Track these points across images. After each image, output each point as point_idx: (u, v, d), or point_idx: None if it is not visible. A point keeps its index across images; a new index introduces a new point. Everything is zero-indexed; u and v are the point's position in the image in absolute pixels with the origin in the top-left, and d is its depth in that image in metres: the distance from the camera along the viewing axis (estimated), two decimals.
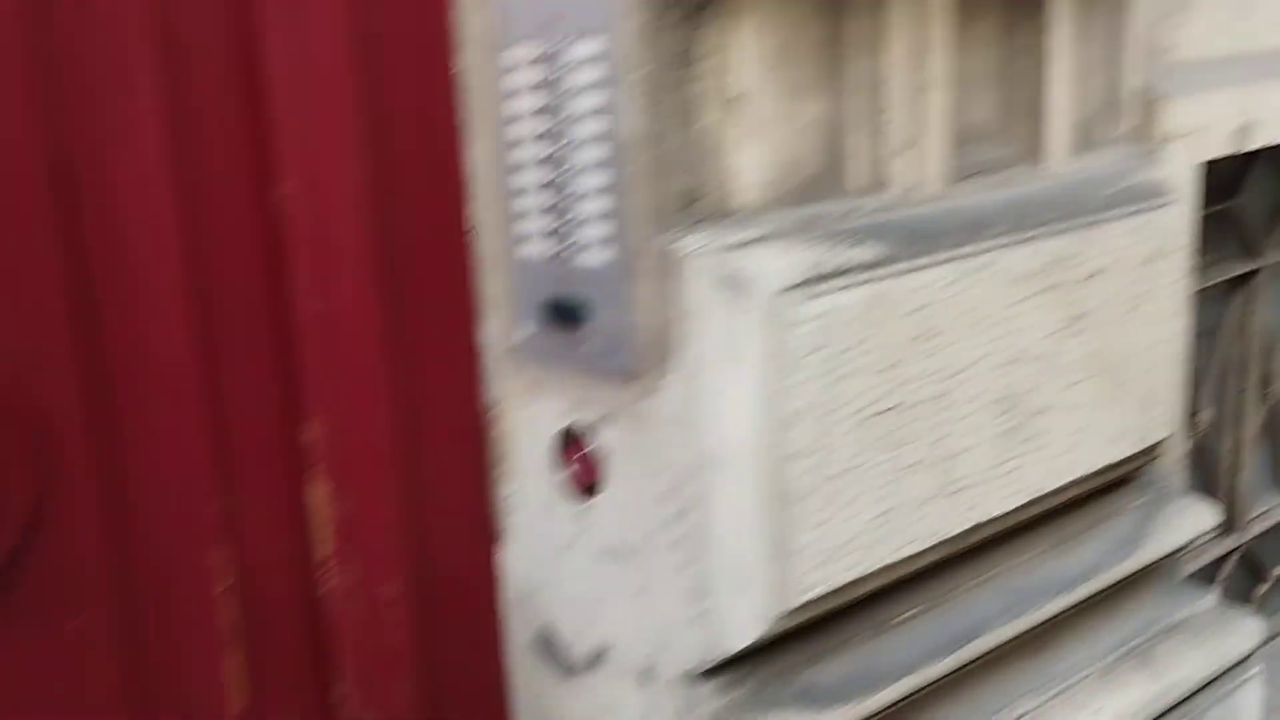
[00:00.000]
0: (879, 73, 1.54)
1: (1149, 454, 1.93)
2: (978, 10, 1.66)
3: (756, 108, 1.46)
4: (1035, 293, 1.65)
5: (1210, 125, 2.13)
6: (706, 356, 1.39)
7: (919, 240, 1.53)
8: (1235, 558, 2.83)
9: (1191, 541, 2.03)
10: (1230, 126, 2.16)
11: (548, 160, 1.49)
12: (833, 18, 1.50)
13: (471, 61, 1.58)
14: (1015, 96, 1.73)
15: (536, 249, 1.55)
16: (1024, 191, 1.68)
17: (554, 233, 1.51)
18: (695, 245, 1.38)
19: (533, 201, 1.53)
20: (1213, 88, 2.14)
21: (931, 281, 1.52)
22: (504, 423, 1.70)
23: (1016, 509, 1.70)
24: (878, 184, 1.58)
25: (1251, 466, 2.84)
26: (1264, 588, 2.96)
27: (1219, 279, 2.62)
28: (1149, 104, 2.02)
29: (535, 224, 1.54)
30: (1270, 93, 2.23)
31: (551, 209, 1.51)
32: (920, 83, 1.56)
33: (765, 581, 1.44)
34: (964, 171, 1.67)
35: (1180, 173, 2.05)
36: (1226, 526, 2.83)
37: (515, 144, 1.53)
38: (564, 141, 1.46)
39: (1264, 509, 2.95)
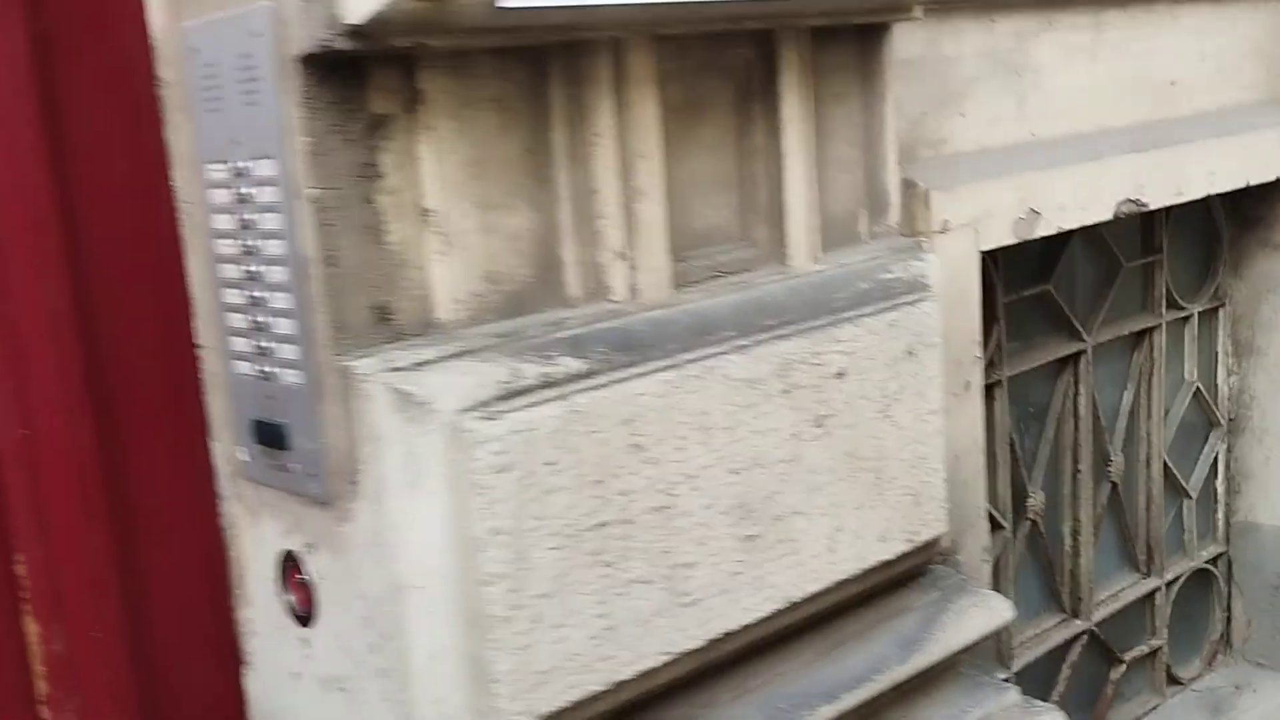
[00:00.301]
0: (589, 182, 1.52)
1: (925, 551, 1.90)
2: (704, 115, 1.65)
3: (452, 221, 1.43)
4: (771, 395, 1.62)
5: (991, 214, 2.13)
6: (390, 481, 1.35)
7: (632, 349, 1.50)
8: (1082, 642, 2.79)
9: (986, 637, 1.99)
10: (1013, 215, 2.17)
11: (247, 278, 1.46)
12: (535, 129, 1.49)
13: (182, 178, 1.55)
14: (753, 198, 1.72)
15: (245, 368, 1.51)
16: (760, 293, 1.66)
17: (257, 352, 1.47)
18: (375, 366, 1.35)
19: (239, 320, 1.50)
20: (992, 177, 2.14)
21: (645, 391, 1.48)
22: (237, 545, 1.64)
23: (767, 618, 1.66)
24: (596, 293, 1.55)
25: (1095, 548, 2.81)
26: (1119, 671, 2.92)
27: (1044, 360, 2.61)
28: (917, 197, 2.01)
29: (242, 343, 1.50)
30: (1053, 180, 2.23)
31: (253, 328, 1.47)
32: (633, 191, 1.54)
33: (468, 711, 1.38)
34: (696, 275, 1.65)
35: (954, 264, 2.04)
36: (1071, 611, 2.79)
37: (222, 261, 1.50)
38: (257, 260, 1.43)
39: (1113, 590, 2.92)
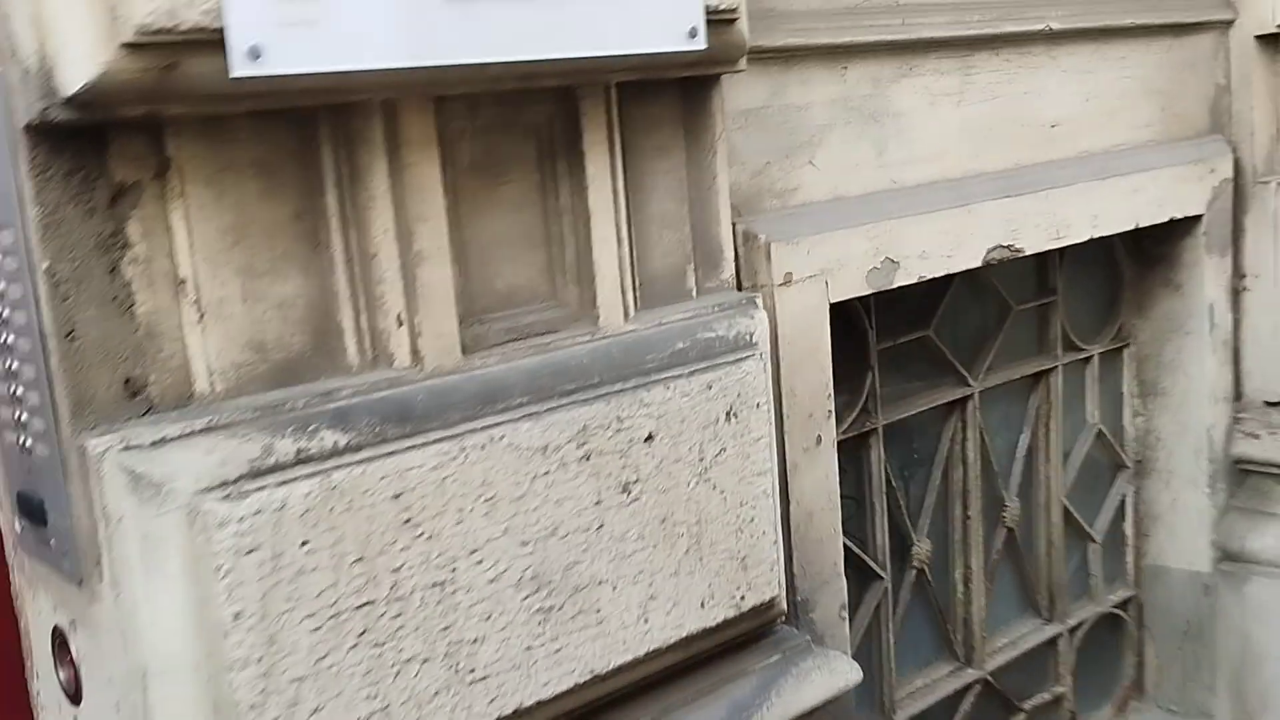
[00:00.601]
0: (367, 247, 1.48)
1: (758, 615, 1.84)
2: (505, 173, 1.60)
3: (210, 290, 1.38)
4: (568, 463, 1.57)
5: (842, 264, 2.08)
6: (128, 564, 1.30)
7: (407, 420, 1.45)
8: (975, 691, 2.73)
9: (830, 701, 1.93)
10: (867, 264, 2.12)
11: (3, 347, 1.41)
12: (305, 192, 1.44)
13: None
14: (561, 257, 1.67)
15: (9, 438, 1.46)
16: (563, 356, 1.62)
17: (16, 424, 1.43)
18: (111, 444, 1.30)
19: (2, 388, 1.45)
20: (844, 226, 2.09)
21: (418, 463, 1.44)
22: (23, 616, 1.60)
23: (569, 691, 1.60)
24: (378, 360, 1.50)
25: (990, 595, 2.76)
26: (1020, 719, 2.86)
27: (927, 406, 2.56)
28: (757, 249, 1.97)
29: (5, 411, 1.45)
30: (913, 228, 2.18)
31: (11, 398, 1.42)
32: (415, 255, 1.49)
33: None
34: (496, 338, 1.60)
35: (800, 317, 2.00)
36: (964, 659, 2.74)
37: None
38: (8, 329, 1.38)
39: (1012, 637, 2.86)
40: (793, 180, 2.06)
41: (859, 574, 2.44)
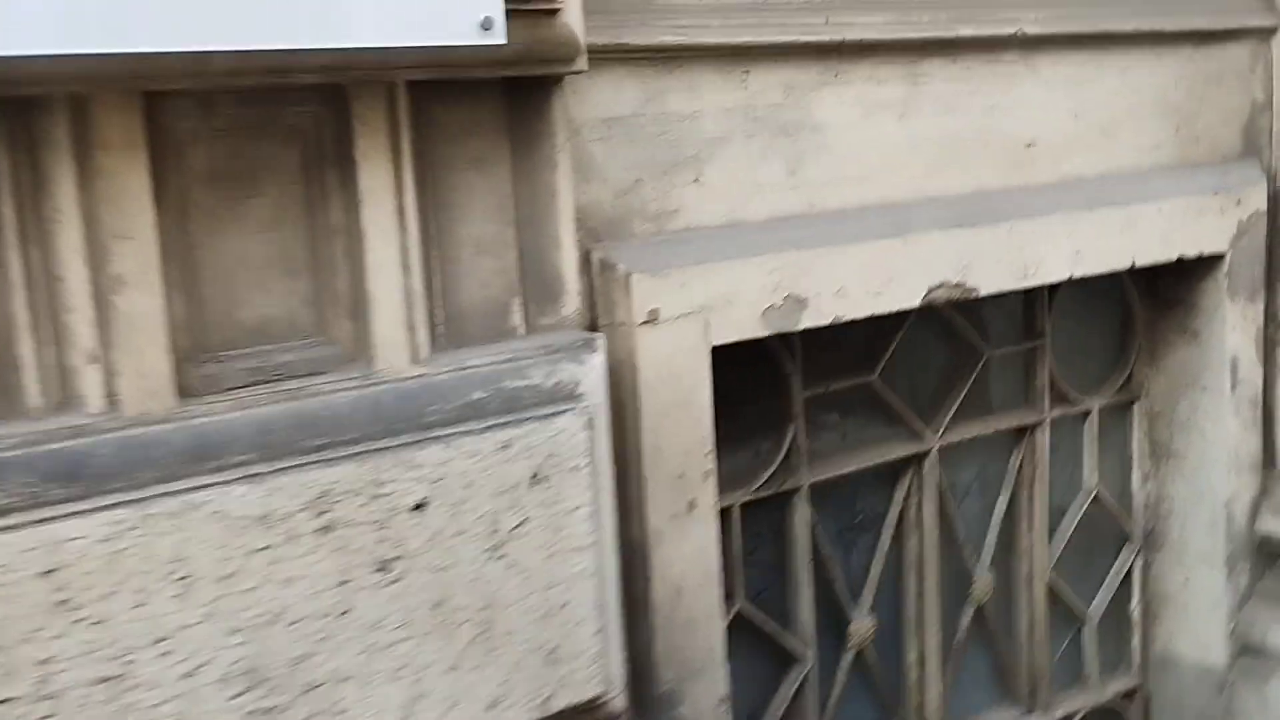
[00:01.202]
0: (53, 268, 1.24)
1: (579, 717, 1.55)
2: (257, 184, 1.35)
3: None
4: (300, 535, 1.31)
5: (730, 301, 1.78)
6: None
7: (76, 479, 1.20)
8: None
9: None
10: (764, 302, 1.81)
11: None
12: None
13: None
14: (332, 286, 1.41)
15: None
16: (316, 405, 1.36)
17: None
18: None
19: None
20: (736, 257, 1.79)
21: (81, 533, 1.19)
22: None
23: None
24: (65, 404, 1.26)
25: (950, 680, 2.41)
26: None
27: (871, 463, 2.23)
28: (615, 281, 1.68)
29: None
30: (827, 260, 1.87)
31: None
32: (111, 280, 1.25)
33: None
34: (235, 380, 1.35)
35: (670, 361, 1.71)
36: None
37: None
38: None
39: None
40: (672, 200, 1.76)
41: (776, 656, 2.12)
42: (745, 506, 2.04)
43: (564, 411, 1.49)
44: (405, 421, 1.40)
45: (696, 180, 1.79)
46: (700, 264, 1.75)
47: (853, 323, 1.96)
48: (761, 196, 1.86)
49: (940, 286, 2.01)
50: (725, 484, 2.01)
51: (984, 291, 2.08)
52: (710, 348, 1.76)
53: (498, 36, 1.36)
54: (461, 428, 1.42)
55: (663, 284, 1.71)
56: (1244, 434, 2.51)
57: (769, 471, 2.06)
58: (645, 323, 1.70)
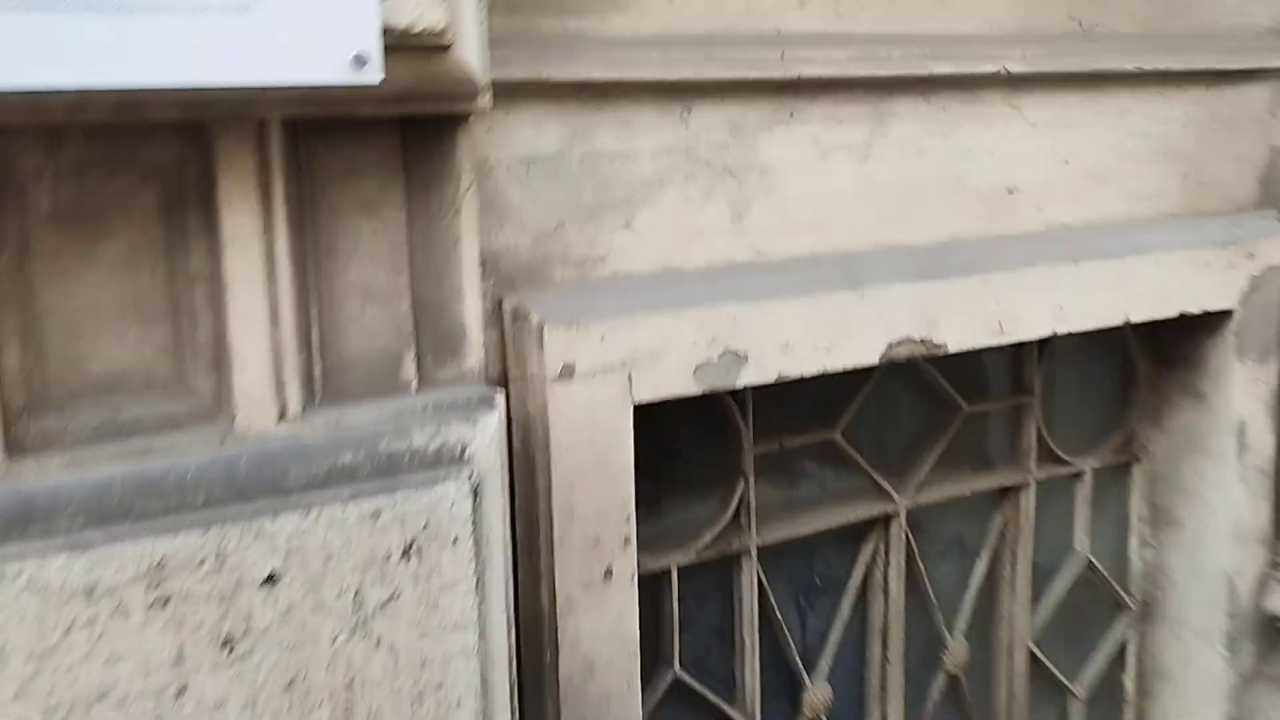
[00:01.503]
0: None
1: None
2: (109, 225, 1.26)
3: None
4: (131, 609, 1.21)
5: (658, 355, 1.66)
6: None
7: None
8: None
9: None
10: (697, 356, 1.69)
11: None
12: None
13: None
14: (192, 336, 1.31)
15: None
16: (158, 467, 1.26)
17: None
18: None
19: None
20: (667, 307, 1.67)
21: None
22: None
23: None
24: None
25: None
26: None
27: (832, 524, 2.10)
28: (526, 332, 1.57)
29: None
30: (770, 312, 1.74)
31: None
32: None
33: None
34: (75, 436, 1.25)
35: (586, 420, 1.59)
36: None
37: None
38: None
39: None
40: (599, 246, 1.65)
41: None
42: (687, 568, 1.92)
43: (446, 478, 1.37)
44: (261, 486, 1.29)
45: (628, 225, 1.67)
46: (626, 315, 1.64)
47: (812, 377, 1.84)
48: (702, 243, 1.74)
49: (902, 342, 1.87)
50: (665, 545, 1.90)
51: (952, 348, 1.94)
52: (633, 406, 1.65)
53: (373, 74, 1.26)
54: (324, 494, 1.31)
55: (581, 336, 1.60)
56: (1251, 504, 2.34)
57: (714, 533, 1.93)
58: (559, 378, 1.59)
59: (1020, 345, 2.18)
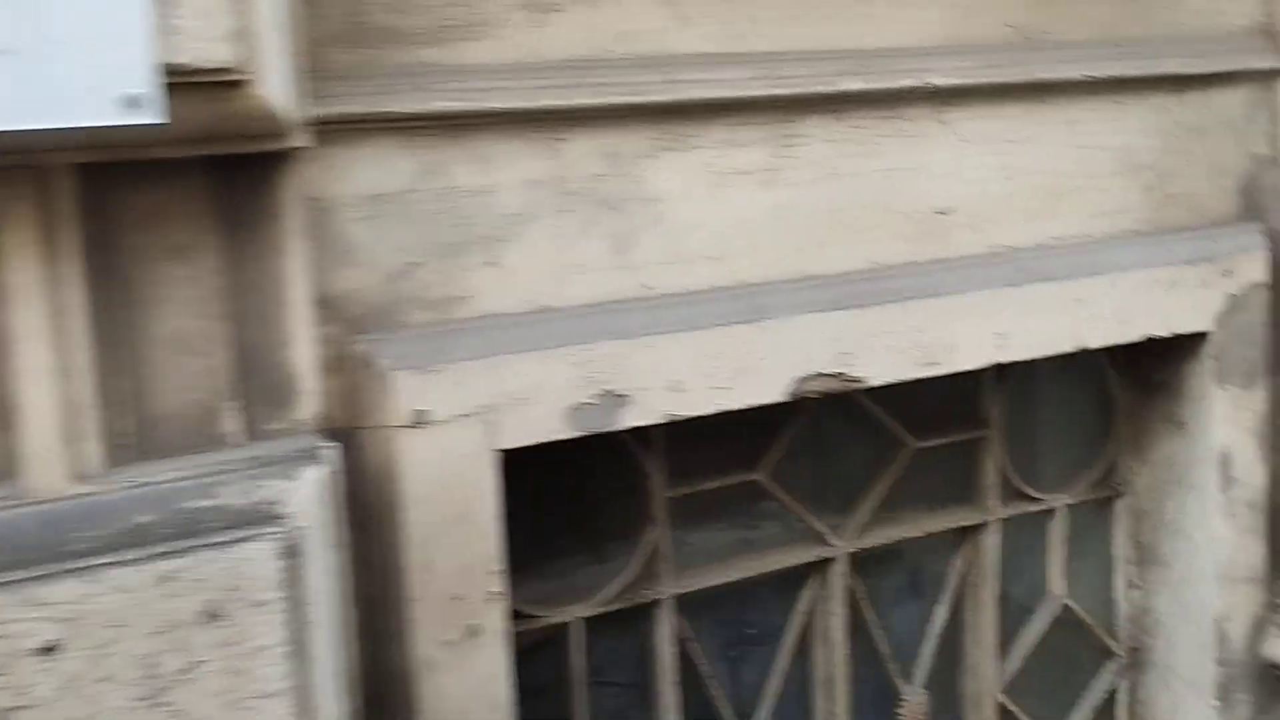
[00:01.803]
0: None
1: None
2: None
3: None
4: None
5: (525, 400, 1.57)
6: None
7: None
8: None
9: None
10: (571, 399, 1.59)
11: None
12: None
13: None
14: None
15: None
16: None
17: None
18: None
19: None
20: (539, 348, 1.58)
21: None
22: None
23: None
24: None
25: None
26: None
27: (762, 571, 1.98)
28: (372, 378, 1.49)
29: None
30: (655, 351, 1.64)
31: None
32: None
33: None
34: None
35: (441, 471, 1.51)
36: None
37: None
38: None
39: None
40: (460, 286, 1.57)
41: None
42: (597, 620, 1.82)
43: (254, 537, 1.30)
44: (43, 550, 1.23)
45: (494, 262, 1.58)
46: (488, 357, 1.55)
47: (732, 413, 1.74)
48: (581, 279, 1.64)
49: (815, 377, 1.75)
50: (568, 596, 1.80)
51: (876, 381, 1.81)
52: (498, 453, 1.55)
53: (150, 114, 1.19)
54: (113, 557, 1.25)
55: (434, 381, 1.51)
56: (1239, 541, 2.15)
57: (622, 582, 1.83)
58: (411, 426, 1.50)
59: (976, 376, 2.04)
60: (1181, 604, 2.22)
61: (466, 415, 1.53)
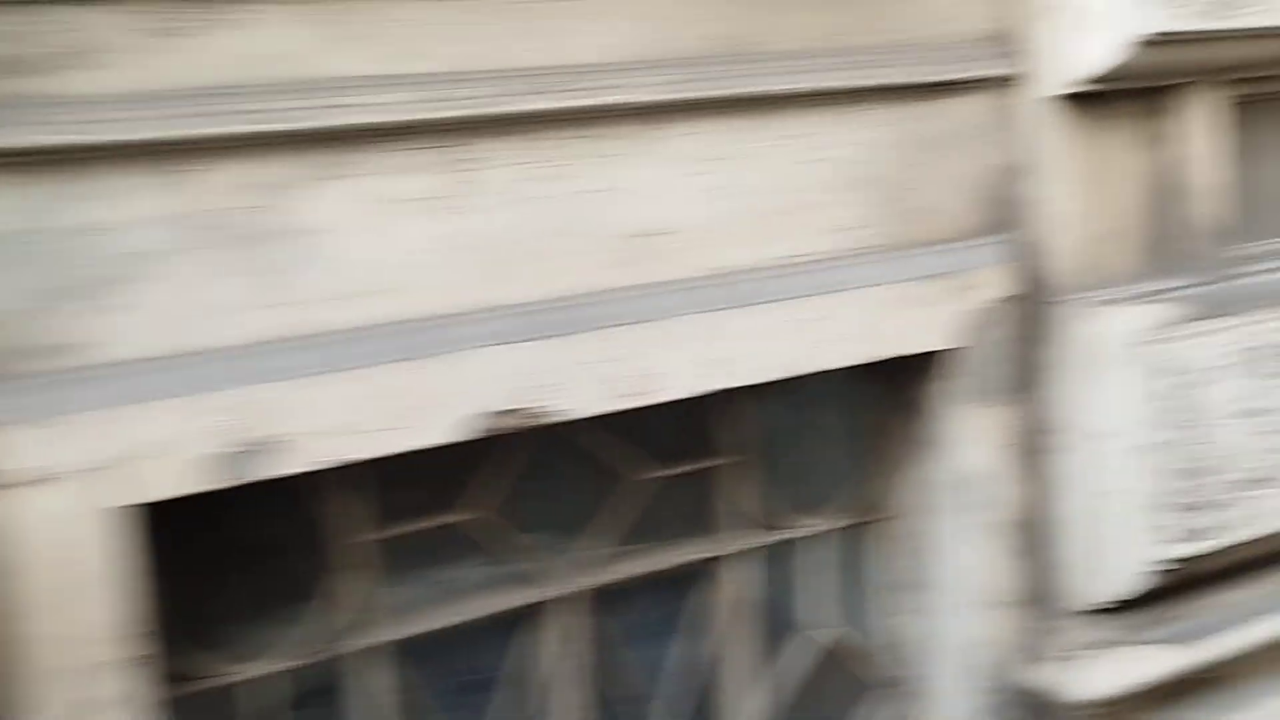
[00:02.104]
0: None
1: None
2: None
3: None
4: None
5: (151, 453, 1.46)
6: None
7: None
8: None
9: None
10: (204, 449, 1.49)
11: None
12: None
13: None
14: None
15: None
16: None
17: None
18: None
19: None
20: (170, 396, 1.48)
21: None
22: None
23: None
24: None
25: None
26: None
27: (461, 619, 1.88)
28: None
29: None
30: (307, 394, 1.54)
31: None
32: None
33: None
34: None
35: (44, 536, 1.40)
36: None
37: None
38: None
39: None
40: (79, 332, 1.45)
41: None
42: (280, 676, 1.72)
43: None
44: None
45: (124, 305, 1.47)
46: (115, 407, 1.45)
47: (446, 450, 1.65)
48: (228, 320, 1.53)
49: (496, 414, 1.66)
50: (249, 652, 1.70)
51: (575, 415, 1.73)
52: (130, 510, 1.45)
53: None
54: None
55: (52, 435, 1.41)
56: (992, 565, 2.10)
57: (311, 633, 1.73)
58: (26, 484, 1.39)
59: (708, 403, 1.95)
60: (940, 631, 2.16)
61: (92, 470, 1.42)
